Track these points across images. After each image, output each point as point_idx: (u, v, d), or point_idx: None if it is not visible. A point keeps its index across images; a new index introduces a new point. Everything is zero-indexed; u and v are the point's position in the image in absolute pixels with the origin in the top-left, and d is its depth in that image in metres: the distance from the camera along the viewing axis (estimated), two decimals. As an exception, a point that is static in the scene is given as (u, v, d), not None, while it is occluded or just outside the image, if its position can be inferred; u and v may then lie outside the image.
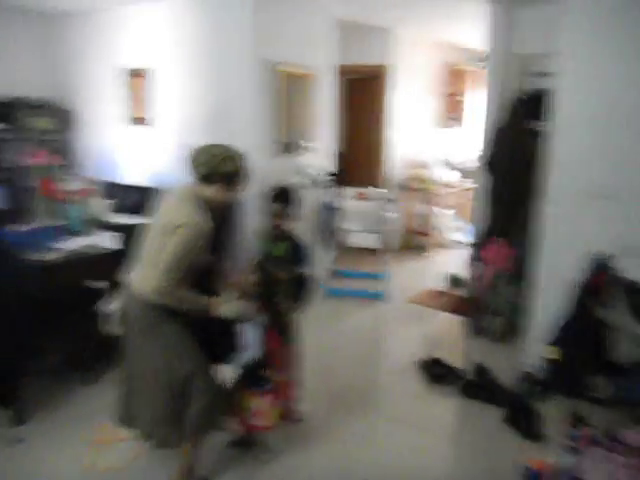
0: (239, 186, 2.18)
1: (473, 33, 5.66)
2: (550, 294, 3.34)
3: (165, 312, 2.11)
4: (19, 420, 2.90)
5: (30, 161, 3.90)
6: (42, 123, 5.55)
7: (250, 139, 4.20)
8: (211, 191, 2.14)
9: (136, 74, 5.09)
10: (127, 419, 2.35)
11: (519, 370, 3.40)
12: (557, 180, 3.27)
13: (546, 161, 3.30)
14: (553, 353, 3.04)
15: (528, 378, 3.19)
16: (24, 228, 3.43)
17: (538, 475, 2.40)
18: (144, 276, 2.10)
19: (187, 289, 2.07)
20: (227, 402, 2.28)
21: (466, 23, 5.34)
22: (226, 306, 2.17)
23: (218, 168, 2.11)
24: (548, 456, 2.54)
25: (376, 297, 4.79)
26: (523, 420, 2.87)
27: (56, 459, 2.65)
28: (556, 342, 3.07)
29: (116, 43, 5.28)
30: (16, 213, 4.18)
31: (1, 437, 2.79)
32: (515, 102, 4.18)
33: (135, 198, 4.28)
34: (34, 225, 3.52)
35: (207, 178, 2.13)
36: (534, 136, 3.85)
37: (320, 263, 4.76)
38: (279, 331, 2.48)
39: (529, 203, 3.97)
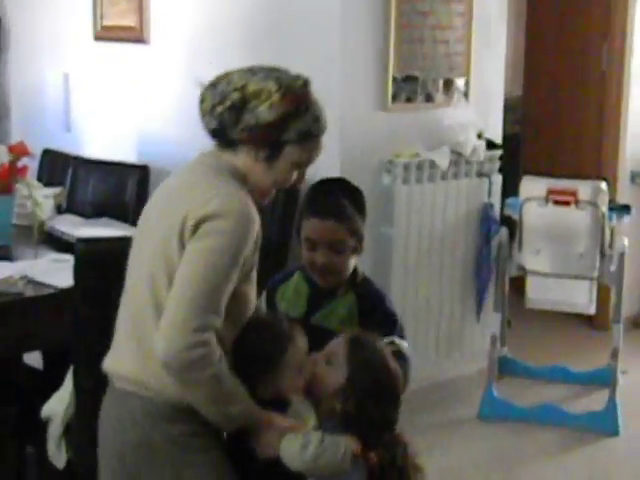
0: (302, 153, 2.22)
1: None
2: None
3: (194, 424, 2.15)
4: None
5: None
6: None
7: (333, 71, 4.28)
8: (240, 161, 2.22)
9: None
10: None
11: None
12: None
13: None
14: None
15: None
16: None
17: None
18: (140, 348, 2.17)
19: (228, 357, 2.13)
20: None
21: None
22: (291, 439, 2.16)
23: (241, 113, 2.16)
24: None
25: (592, 427, 4.48)
26: None
27: None
28: None
29: None
30: None
31: None
32: None
33: (104, 186, 4.57)
34: None
35: (223, 134, 2.19)
36: None
37: (469, 345, 4.79)
38: None
39: None
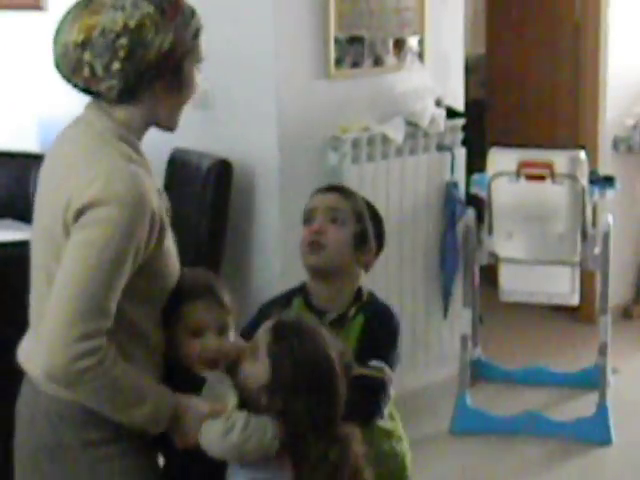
0: (198, 53, 2.22)
1: None
2: None
3: (107, 430, 2.14)
4: None
5: None
6: None
7: (266, 36, 4.35)
8: (144, 108, 2.19)
9: None
10: None
11: None
12: None
13: None
14: None
15: None
16: None
17: None
18: (33, 347, 2.20)
19: (128, 356, 2.12)
20: None
21: None
22: (212, 425, 2.17)
23: (135, 54, 2.13)
24: None
25: (580, 436, 4.56)
26: None
27: None
28: None
29: None
30: None
31: None
32: None
33: (6, 180, 4.77)
34: None
35: (121, 89, 2.14)
36: None
37: (436, 347, 4.87)
38: None
39: None
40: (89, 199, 1.99)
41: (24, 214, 4.16)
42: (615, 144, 5.87)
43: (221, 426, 2.12)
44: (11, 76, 5.41)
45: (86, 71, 2.08)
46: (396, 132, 4.45)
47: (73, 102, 4.98)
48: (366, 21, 4.45)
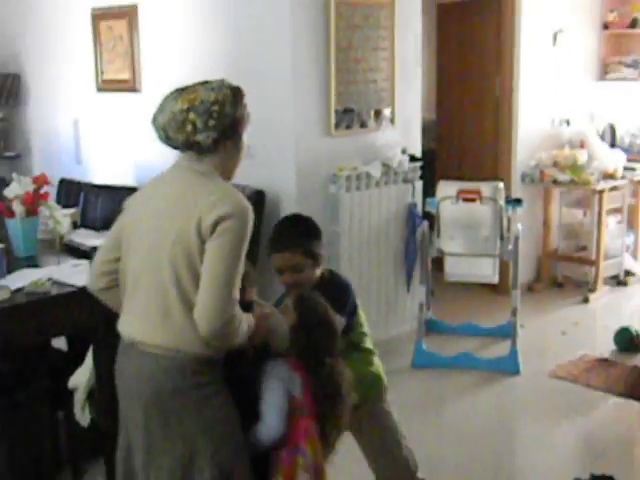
0: (248, 125, 2.31)
1: None
2: None
3: (212, 376, 2.21)
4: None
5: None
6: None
7: (288, 108, 4.39)
8: (220, 158, 2.25)
9: (111, 15, 5.32)
10: None
11: None
12: None
13: None
14: None
15: None
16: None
17: None
18: (166, 322, 2.17)
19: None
20: None
21: None
22: (275, 317, 2.37)
23: (220, 120, 2.21)
24: None
25: (499, 369, 4.67)
26: None
27: None
28: None
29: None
30: None
31: None
32: None
33: (110, 205, 4.41)
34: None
35: (202, 144, 2.20)
36: None
37: (402, 311, 4.90)
38: (323, 406, 2.47)
39: None
40: (220, 214, 2.10)
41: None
42: (522, 177, 6.00)
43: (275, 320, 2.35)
44: (116, 135, 5.49)
45: (189, 127, 2.18)
46: (375, 171, 4.58)
47: (157, 151, 4.99)
48: (355, 98, 4.54)
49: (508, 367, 4.61)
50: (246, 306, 2.28)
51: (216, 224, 2.07)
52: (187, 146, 2.20)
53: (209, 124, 2.17)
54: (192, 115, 2.16)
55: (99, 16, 5.30)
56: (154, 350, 2.17)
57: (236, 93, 2.25)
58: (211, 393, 2.21)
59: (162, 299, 2.17)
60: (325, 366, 2.48)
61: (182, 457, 2.21)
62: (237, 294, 2.13)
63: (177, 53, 4.88)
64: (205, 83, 2.24)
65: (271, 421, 2.37)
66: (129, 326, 2.25)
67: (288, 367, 2.44)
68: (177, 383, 2.17)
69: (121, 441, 2.37)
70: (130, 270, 2.24)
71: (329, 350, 2.51)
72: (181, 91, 2.22)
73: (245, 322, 2.17)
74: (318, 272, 2.65)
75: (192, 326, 2.13)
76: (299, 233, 2.68)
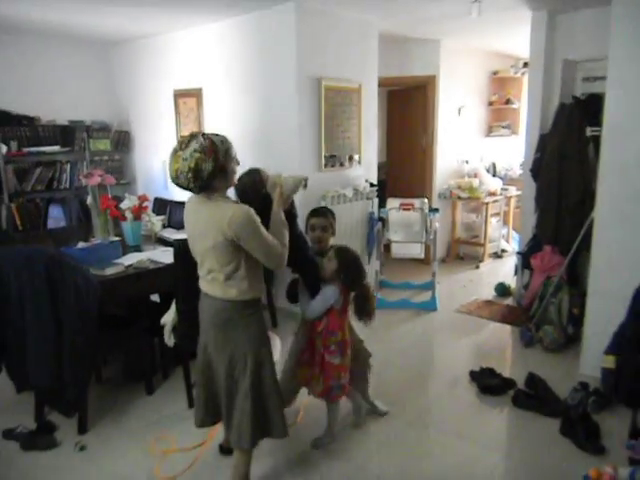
0: (232, 161, 2.12)
1: (519, 40, 5.54)
2: (606, 301, 3.32)
3: (252, 310, 2.17)
4: (82, 428, 2.96)
5: (88, 181, 3.86)
6: (100, 145, 5.75)
7: (296, 153, 4.31)
8: (217, 188, 2.09)
9: (187, 94, 5.25)
10: (208, 421, 2.39)
11: (574, 380, 3.33)
12: (610, 185, 3.27)
13: (600, 166, 3.28)
14: (610, 362, 3.02)
15: (584, 388, 3.12)
16: (85, 245, 3.50)
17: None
18: (219, 285, 2.13)
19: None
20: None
21: (512, 31, 5.23)
22: (279, 177, 2.20)
23: (211, 172, 2.04)
24: (607, 467, 2.44)
25: (424, 308, 4.78)
26: (580, 431, 2.79)
27: (116, 467, 2.68)
28: (613, 350, 3.03)
29: (168, 66, 5.44)
30: (76, 231, 4.31)
31: (65, 445, 2.85)
32: (560, 108, 4.19)
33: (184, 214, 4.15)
34: (94, 242, 3.59)
35: (211, 186, 2.08)
36: (582, 142, 3.84)
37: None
38: (359, 311, 2.46)
39: (579, 209, 3.94)
40: (235, 219, 2.04)
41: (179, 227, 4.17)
42: (439, 195, 6.12)
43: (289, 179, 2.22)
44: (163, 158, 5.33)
45: (185, 183, 2.06)
46: (349, 192, 4.59)
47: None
48: (337, 149, 4.53)
49: (430, 306, 4.74)
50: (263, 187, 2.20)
51: (239, 225, 2.03)
52: (192, 190, 2.12)
53: (196, 183, 2.05)
54: (182, 179, 2.05)
55: (178, 95, 5.32)
56: (218, 297, 2.20)
57: (206, 151, 1.99)
58: (252, 320, 2.21)
59: (212, 273, 2.17)
60: (362, 284, 2.53)
61: (234, 354, 2.20)
62: (273, 243, 2.08)
63: (226, 117, 4.83)
64: (184, 148, 2.00)
65: (316, 307, 2.44)
66: (202, 284, 2.27)
67: (335, 288, 2.45)
68: (230, 315, 2.19)
69: (201, 343, 2.33)
70: (196, 253, 2.22)
71: (362, 274, 2.51)
72: (171, 157, 2.05)
73: (278, 242, 2.09)
74: (331, 240, 2.68)
75: (228, 286, 2.13)
76: (327, 210, 2.75)
